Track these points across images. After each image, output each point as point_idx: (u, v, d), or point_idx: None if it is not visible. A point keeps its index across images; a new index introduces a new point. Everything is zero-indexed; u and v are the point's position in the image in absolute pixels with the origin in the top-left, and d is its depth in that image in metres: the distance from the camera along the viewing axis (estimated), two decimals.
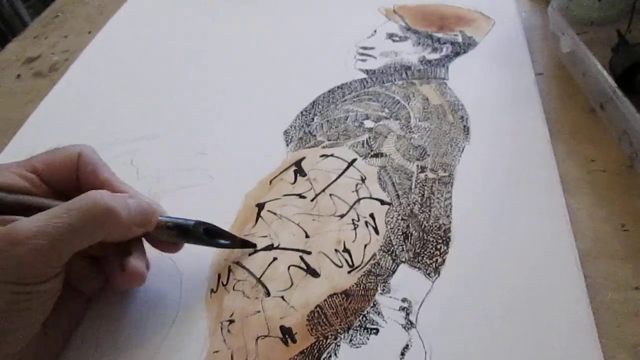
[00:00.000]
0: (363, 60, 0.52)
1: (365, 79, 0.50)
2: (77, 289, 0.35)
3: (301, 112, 0.48)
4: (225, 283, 0.36)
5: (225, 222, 0.40)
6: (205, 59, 0.58)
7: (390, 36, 0.54)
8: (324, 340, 0.32)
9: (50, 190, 0.34)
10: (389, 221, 0.37)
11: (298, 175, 0.42)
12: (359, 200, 0.39)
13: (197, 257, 0.38)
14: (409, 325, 0.32)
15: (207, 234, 0.36)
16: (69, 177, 0.34)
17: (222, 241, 0.37)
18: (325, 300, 0.34)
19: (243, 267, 0.37)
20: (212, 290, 0.36)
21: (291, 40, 0.58)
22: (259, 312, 0.34)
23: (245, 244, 0.37)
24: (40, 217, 0.28)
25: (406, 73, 0.49)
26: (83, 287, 0.35)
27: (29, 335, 0.29)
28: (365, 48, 0.53)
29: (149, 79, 0.57)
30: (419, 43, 0.52)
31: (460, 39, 0.51)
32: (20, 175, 0.32)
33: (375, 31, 0.55)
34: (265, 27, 0.61)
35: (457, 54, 0.50)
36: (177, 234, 0.35)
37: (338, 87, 0.49)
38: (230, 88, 0.53)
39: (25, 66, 0.68)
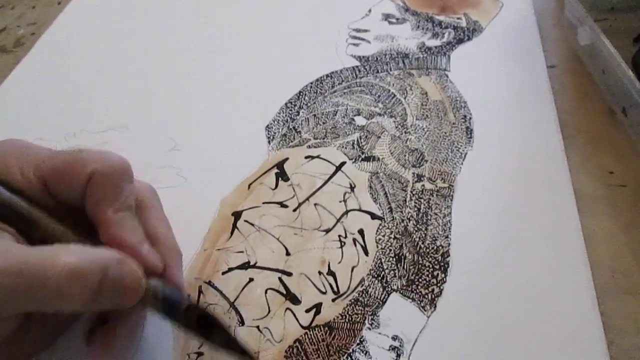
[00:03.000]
0: (355, 45, 0.47)
1: (357, 67, 0.44)
2: None
3: (285, 104, 0.43)
4: None
5: (198, 232, 0.36)
6: (184, 43, 0.52)
7: (387, 17, 0.49)
8: None
9: (53, 203, 0.28)
10: (380, 239, 0.33)
11: (280, 179, 0.38)
12: (346, 212, 0.35)
13: None
14: None
15: (201, 323, 0.27)
16: (75, 194, 0.27)
17: (216, 337, 0.27)
18: (305, 333, 0.30)
19: (215, 288, 0.33)
20: None
21: (275, 22, 0.52)
22: None
23: (243, 353, 0.27)
24: None
25: (403, 62, 0.44)
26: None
27: None
28: (358, 30, 0.48)
29: (121, 61, 0.51)
30: (418, 27, 0.47)
31: (464, 23, 0.46)
32: (26, 179, 0.27)
33: (369, 11, 0.50)
34: (247, 9, 0.55)
35: (460, 41, 0.45)
36: (163, 309, 0.27)
37: (327, 76, 0.44)
38: (208, 76, 0.48)
39: None
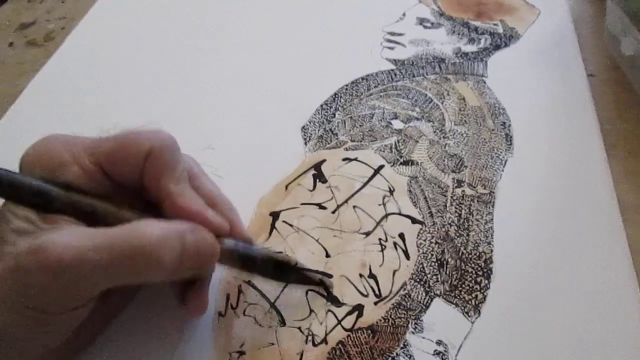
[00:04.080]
0: (390, 48, 0.47)
1: (393, 70, 0.44)
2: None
3: (321, 106, 0.43)
4: (234, 306, 0.32)
5: None
6: (220, 41, 0.52)
7: (421, 21, 0.49)
8: None
9: (112, 185, 0.29)
10: (421, 244, 0.33)
11: (318, 180, 0.38)
12: (386, 215, 0.35)
13: None
14: None
15: (277, 269, 0.30)
16: (133, 173, 0.28)
17: (293, 278, 0.31)
18: (348, 335, 0.30)
19: (255, 288, 0.33)
20: (220, 314, 0.32)
21: (310, 23, 0.52)
22: (272, 344, 0.30)
23: (322, 282, 0.31)
24: (77, 244, 0.24)
25: (439, 66, 0.44)
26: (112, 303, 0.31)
27: (44, 352, 0.27)
28: (393, 34, 0.48)
29: (154, 57, 0.51)
30: (454, 32, 0.47)
31: (500, 30, 0.46)
32: (83, 168, 0.28)
33: (404, 14, 0.50)
34: (283, 10, 0.55)
35: (497, 47, 0.45)
36: (242, 265, 0.30)
37: (363, 79, 0.44)
38: (243, 75, 0.48)
39: (18, 33, 0.62)
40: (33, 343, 0.26)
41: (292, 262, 0.31)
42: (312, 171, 0.38)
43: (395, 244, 0.33)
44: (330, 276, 0.32)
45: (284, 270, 0.31)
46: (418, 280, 0.31)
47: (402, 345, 0.29)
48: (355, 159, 0.38)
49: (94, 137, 0.29)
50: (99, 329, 0.31)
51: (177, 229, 0.26)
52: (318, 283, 0.31)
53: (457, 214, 0.34)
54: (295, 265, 0.31)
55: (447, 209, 0.34)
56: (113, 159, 0.28)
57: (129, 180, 0.29)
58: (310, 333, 0.30)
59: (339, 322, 0.30)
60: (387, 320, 0.30)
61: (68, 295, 0.24)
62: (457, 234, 0.33)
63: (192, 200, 0.29)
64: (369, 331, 0.30)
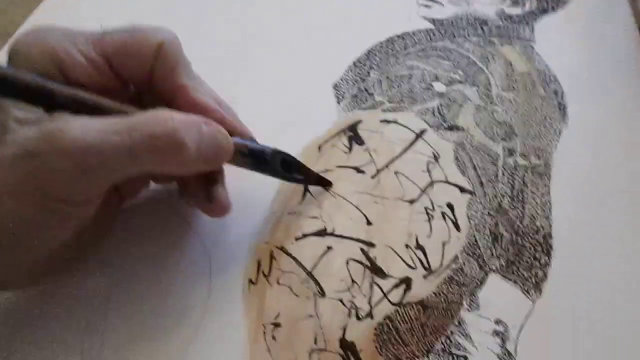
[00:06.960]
0: (427, 7, 0.43)
1: (432, 29, 0.41)
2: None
3: (354, 63, 0.40)
4: (266, 273, 0.30)
5: (266, 195, 0.33)
6: None
7: None
8: None
9: (117, 81, 0.26)
10: (472, 215, 0.30)
11: (354, 142, 0.35)
12: (432, 183, 0.32)
13: (230, 235, 0.31)
14: (507, 356, 0.25)
15: (283, 166, 0.30)
16: (142, 68, 0.26)
17: (297, 176, 0.31)
18: (396, 310, 0.27)
19: (289, 254, 0.30)
20: (250, 281, 0.29)
21: None
22: (311, 316, 0.28)
23: (320, 180, 0.32)
24: (96, 127, 0.22)
25: (482, 28, 0.41)
26: (125, 189, 0.30)
27: (54, 246, 0.25)
28: None
29: (179, 6, 0.47)
30: None
31: None
32: (88, 58, 0.25)
33: None
34: None
35: (544, 11, 0.42)
36: (252, 162, 0.29)
37: (399, 37, 0.41)
38: (270, 29, 0.43)
39: None
40: (46, 236, 0.24)
41: (298, 161, 0.31)
42: (348, 132, 0.35)
43: (443, 213, 0.31)
44: (372, 245, 0.30)
45: (290, 167, 0.30)
46: (471, 253, 0.29)
47: (457, 324, 0.27)
48: (395, 121, 0.35)
49: (96, 30, 0.26)
50: (112, 217, 0.30)
51: (194, 119, 0.24)
52: (321, 182, 0.32)
53: (510, 185, 0.31)
54: (299, 162, 0.31)
55: (499, 179, 0.32)
56: (123, 51, 0.26)
57: (136, 75, 0.26)
58: (354, 306, 0.28)
59: (385, 295, 0.28)
60: (439, 296, 0.28)
61: (88, 183, 0.22)
62: (511, 206, 0.31)
63: (206, 95, 0.27)
64: (419, 306, 0.27)
